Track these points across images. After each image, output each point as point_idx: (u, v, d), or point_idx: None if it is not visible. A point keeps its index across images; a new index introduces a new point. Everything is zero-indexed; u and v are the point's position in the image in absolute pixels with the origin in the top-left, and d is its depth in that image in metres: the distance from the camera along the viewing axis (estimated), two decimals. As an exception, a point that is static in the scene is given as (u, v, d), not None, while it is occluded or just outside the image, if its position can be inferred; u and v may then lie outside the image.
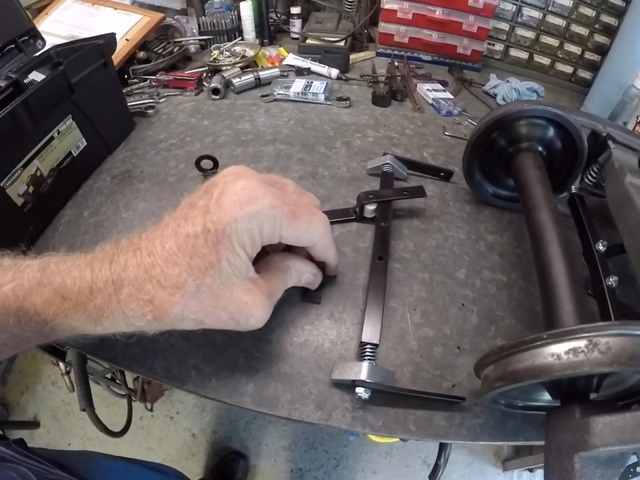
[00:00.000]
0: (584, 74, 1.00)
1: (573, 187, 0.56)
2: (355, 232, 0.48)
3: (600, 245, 0.48)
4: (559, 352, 0.27)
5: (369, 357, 0.36)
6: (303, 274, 0.36)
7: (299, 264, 0.36)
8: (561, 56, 1.00)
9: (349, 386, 0.36)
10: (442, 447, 0.78)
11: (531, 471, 1.14)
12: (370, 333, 0.37)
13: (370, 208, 0.47)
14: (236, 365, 0.38)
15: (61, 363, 1.04)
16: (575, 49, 0.99)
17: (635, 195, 0.46)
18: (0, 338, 0.29)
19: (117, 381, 1.03)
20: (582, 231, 0.52)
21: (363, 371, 0.35)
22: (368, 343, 0.36)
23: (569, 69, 1.00)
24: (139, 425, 1.19)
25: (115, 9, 0.91)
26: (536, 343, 0.28)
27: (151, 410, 1.12)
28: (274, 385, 0.37)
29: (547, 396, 0.34)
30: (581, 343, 0.26)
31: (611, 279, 0.46)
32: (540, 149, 0.51)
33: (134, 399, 1.06)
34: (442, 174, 0.55)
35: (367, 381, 0.34)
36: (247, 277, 0.29)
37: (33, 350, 1.24)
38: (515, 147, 0.50)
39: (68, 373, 1.09)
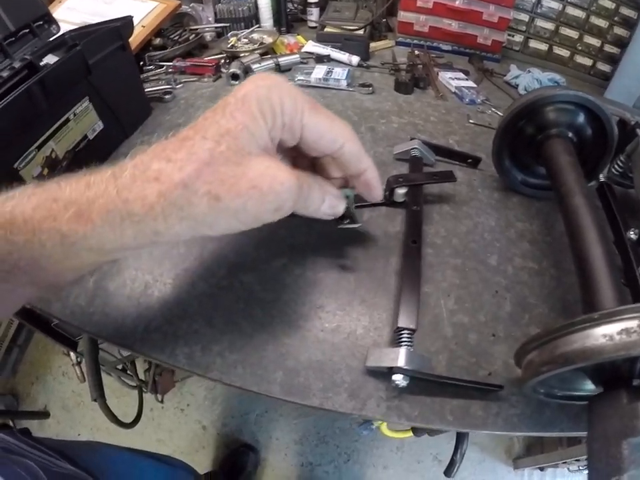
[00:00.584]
0: (603, 67, 0.98)
1: (601, 176, 0.54)
2: (385, 216, 0.45)
3: (631, 233, 0.47)
4: (611, 332, 0.26)
5: (406, 343, 0.34)
6: (327, 193, 0.30)
7: (324, 182, 0.31)
8: (580, 48, 0.97)
9: (384, 374, 0.34)
10: (458, 442, 0.76)
11: (541, 469, 1.12)
12: (407, 318, 0.35)
13: (400, 192, 0.44)
14: (264, 352, 0.36)
15: (72, 353, 1.03)
16: (594, 42, 0.96)
17: None
18: None
19: (128, 372, 1.02)
20: (612, 220, 0.51)
21: (400, 357, 0.32)
22: (405, 328, 0.34)
23: (588, 62, 0.97)
24: (149, 417, 1.17)
25: (160, 3, 0.88)
26: (587, 324, 0.27)
27: (162, 402, 1.10)
28: (304, 372, 0.35)
29: (587, 385, 0.33)
30: (633, 323, 0.25)
31: None
32: (570, 135, 0.48)
33: (145, 390, 1.05)
34: (469, 160, 0.53)
35: (405, 367, 0.32)
36: (266, 150, 0.26)
37: (44, 340, 1.23)
38: (545, 133, 0.48)
39: (79, 363, 1.07)
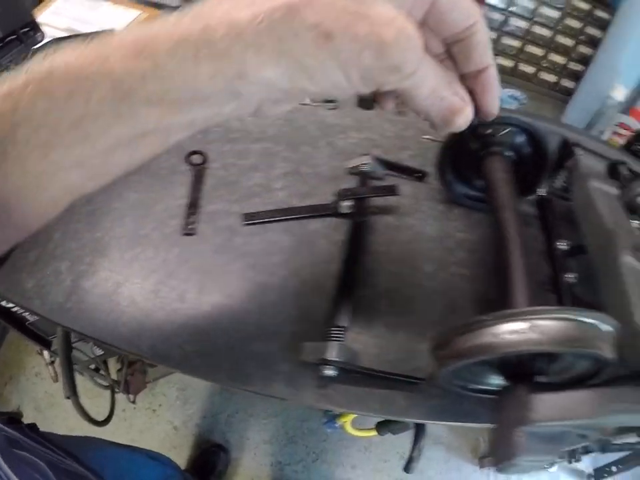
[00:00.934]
0: (567, 83, 1.06)
1: (541, 190, 0.60)
2: (332, 226, 0.52)
3: (561, 243, 0.54)
4: (501, 332, 0.31)
5: (336, 338, 0.41)
6: (444, 87, 0.24)
7: (454, 78, 0.25)
8: (545, 65, 1.05)
9: (317, 365, 0.41)
10: (415, 440, 0.83)
11: (507, 469, 1.19)
12: (339, 316, 0.41)
13: (346, 204, 0.51)
14: (216, 344, 0.43)
15: (45, 352, 1.07)
16: (559, 59, 1.05)
17: (597, 198, 0.50)
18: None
19: (102, 372, 1.07)
20: (546, 231, 0.58)
21: (330, 350, 0.39)
22: (336, 325, 0.41)
23: (552, 78, 1.06)
24: (122, 417, 1.22)
25: (114, 3, 0.95)
26: (481, 324, 0.32)
27: (134, 402, 1.15)
28: (249, 363, 0.42)
29: (496, 380, 0.38)
30: (522, 325, 0.30)
31: (569, 275, 0.51)
32: (509, 153, 0.54)
33: (117, 390, 1.10)
34: (417, 174, 0.60)
35: (334, 360, 0.39)
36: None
37: (18, 340, 1.27)
38: (486, 150, 0.53)
39: (52, 362, 1.12)
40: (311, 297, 0.46)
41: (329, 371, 0.39)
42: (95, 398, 1.21)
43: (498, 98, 0.27)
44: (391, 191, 0.52)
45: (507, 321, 0.31)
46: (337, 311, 0.42)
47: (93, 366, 1.08)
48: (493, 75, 0.26)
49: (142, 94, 0.20)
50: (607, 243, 0.45)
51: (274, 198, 0.55)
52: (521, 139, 0.54)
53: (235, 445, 1.18)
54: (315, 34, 0.19)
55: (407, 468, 0.89)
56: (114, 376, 1.10)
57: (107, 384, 1.10)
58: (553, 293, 0.53)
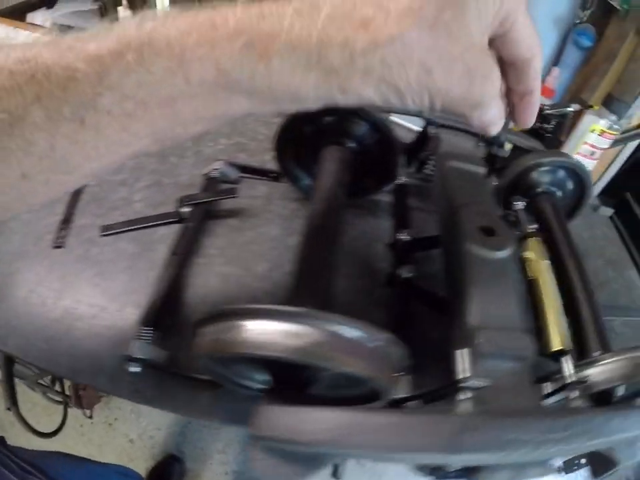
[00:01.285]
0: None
1: (401, 178, 0.64)
2: (174, 232, 0.59)
3: (402, 234, 0.56)
4: (209, 332, 0.32)
5: (143, 337, 0.46)
6: (494, 102, 0.28)
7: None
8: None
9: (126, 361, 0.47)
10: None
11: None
12: (148, 317, 0.48)
13: (185, 210, 0.59)
14: (61, 343, 0.50)
15: (-5, 370, 1.18)
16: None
17: (452, 178, 0.51)
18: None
19: (57, 388, 1.17)
20: (395, 221, 0.61)
21: (134, 348, 0.44)
22: (145, 325, 0.48)
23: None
24: (79, 432, 1.32)
25: (33, 32, 1.06)
26: (200, 322, 0.34)
27: (91, 417, 1.25)
28: (83, 359, 0.49)
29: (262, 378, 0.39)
30: (224, 325, 0.30)
31: (405, 269, 0.52)
32: (350, 143, 0.56)
33: (70, 405, 1.20)
34: (272, 175, 0.67)
35: (137, 357, 0.44)
36: (484, 36, 0.24)
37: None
38: (323, 141, 0.56)
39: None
40: (143, 299, 0.53)
41: (133, 368, 0.45)
42: (53, 415, 1.32)
43: (535, 115, 0.32)
44: (229, 193, 0.60)
45: (215, 321, 0.32)
46: (147, 310, 0.49)
47: (47, 382, 1.18)
48: (536, 97, 0.31)
49: (245, 87, 0.22)
50: (453, 227, 0.44)
51: (132, 210, 0.63)
52: (362, 127, 0.55)
53: (190, 456, 1.27)
54: (418, 69, 0.22)
55: (335, 474, 0.94)
56: (67, 391, 1.20)
57: (60, 399, 1.20)
58: (389, 285, 0.55)
